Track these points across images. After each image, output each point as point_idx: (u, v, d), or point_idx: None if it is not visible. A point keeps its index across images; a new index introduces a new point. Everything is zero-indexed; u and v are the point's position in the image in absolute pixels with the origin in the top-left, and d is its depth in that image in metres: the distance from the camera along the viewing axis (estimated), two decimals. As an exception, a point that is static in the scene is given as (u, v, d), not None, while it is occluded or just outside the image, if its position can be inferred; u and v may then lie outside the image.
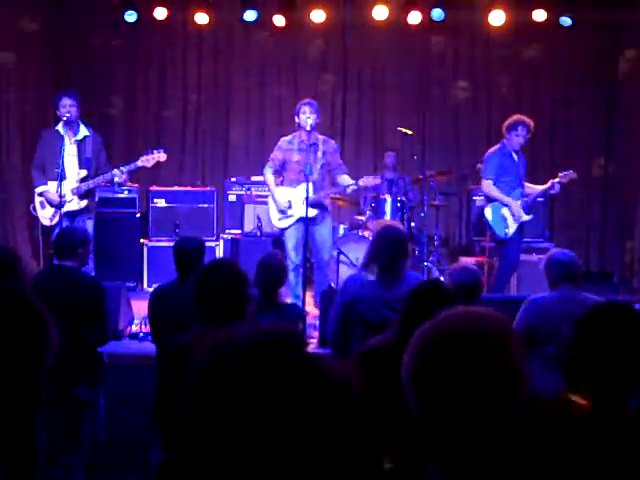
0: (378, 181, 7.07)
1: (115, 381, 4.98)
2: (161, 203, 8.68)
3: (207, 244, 8.13)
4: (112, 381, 4.88)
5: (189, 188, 9.16)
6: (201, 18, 9.33)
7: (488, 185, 6.93)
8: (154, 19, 9.28)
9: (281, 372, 1.07)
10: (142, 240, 8.47)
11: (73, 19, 9.40)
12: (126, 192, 8.51)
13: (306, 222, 6.29)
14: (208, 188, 9.08)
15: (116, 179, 6.68)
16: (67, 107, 6.66)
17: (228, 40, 9.89)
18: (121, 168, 6.68)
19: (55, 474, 4.05)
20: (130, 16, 9.12)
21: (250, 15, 9.20)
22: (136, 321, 6.09)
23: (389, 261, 4.39)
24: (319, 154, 6.60)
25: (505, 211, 6.85)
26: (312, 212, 6.45)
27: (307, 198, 6.21)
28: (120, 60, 9.84)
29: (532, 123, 6.87)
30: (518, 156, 6.98)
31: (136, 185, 8.64)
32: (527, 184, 7.11)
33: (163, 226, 8.54)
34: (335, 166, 6.73)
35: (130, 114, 9.94)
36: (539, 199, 7.49)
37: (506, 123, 6.92)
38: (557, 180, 6.99)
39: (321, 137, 6.74)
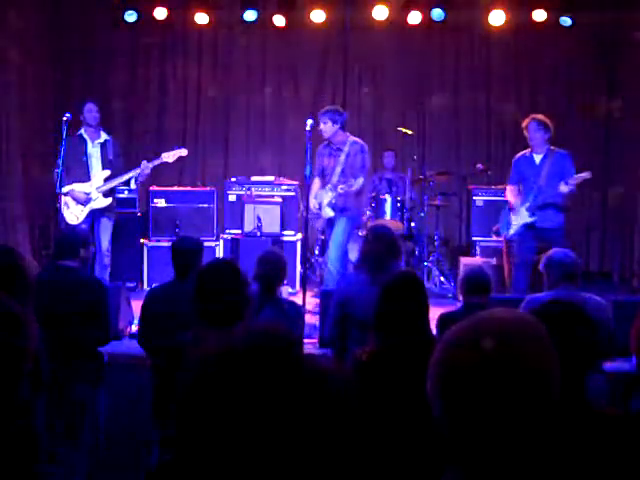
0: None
1: (115, 381, 4.98)
2: (161, 203, 8.68)
3: (207, 244, 8.20)
4: (112, 381, 4.88)
5: (189, 188, 9.16)
6: (201, 18, 9.34)
7: (507, 189, 7.12)
8: (154, 19, 9.29)
9: (276, 374, 1.07)
10: (142, 240, 8.47)
11: (73, 19, 9.41)
12: (126, 192, 8.51)
13: (305, 223, 6.37)
14: (208, 188, 9.07)
15: (134, 174, 7.02)
16: (93, 112, 7.08)
17: (228, 40, 9.89)
18: (147, 164, 7.03)
19: (55, 474, 4.05)
20: (130, 16, 9.13)
21: (250, 15, 9.21)
22: (136, 321, 6.08)
23: (377, 260, 4.43)
24: (342, 158, 6.70)
25: (512, 214, 6.96)
26: (331, 213, 6.71)
27: (308, 190, 6.29)
28: (120, 60, 9.84)
29: (543, 118, 6.78)
30: (545, 158, 6.82)
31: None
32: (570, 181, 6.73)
33: (163, 226, 8.54)
34: (355, 170, 6.72)
35: (130, 114, 9.94)
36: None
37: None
38: (565, 181, 6.67)
39: (351, 139, 6.79)
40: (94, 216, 7.02)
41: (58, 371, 4.06)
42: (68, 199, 6.97)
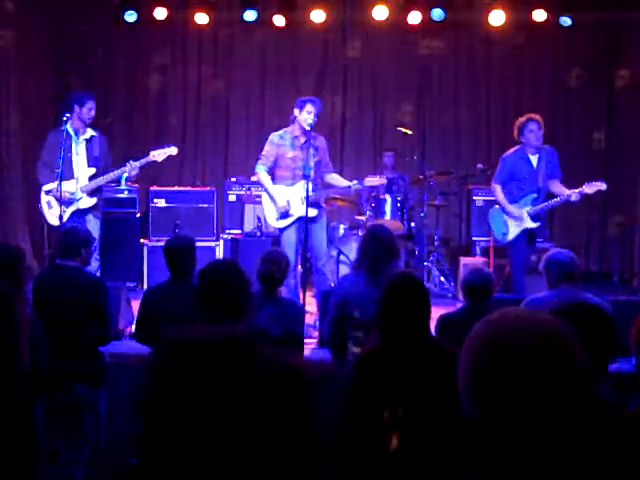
0: (384, 181, 6.98)
1: (115, 381, 4.98)
2: (161, 203, 8.68)
3: (207, 244, 8.22)
4: (112, 381, 4.88)
5: (189, 188, 9.16)
6: (201, 18, 9.34)
7: (494, 188, 6.87)
8: (154, 19, 9.29)
9: (231, 374, 1.09)
10: (142, 240, 8.47)
11: (73, 19, 9.41)
12: (126, 192, 8.51)
13: (306, 222, 6.27)
14: (208, 188, 9.08)
15: (125, 175, 6.68)
16: (92, 111, 6.75)
17: (228, 40, 9.90)
18: (134, 163, 6.67)
19: (55, 474, 4.05)
20: (130, 16, 9.13)
21: (250, 15, 9.21)
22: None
23: (375, 261, 4.44)
24: (311, 150, 6.44)
25: (507, 216, 6.76)
26: (313, 212, 6.37)
27: (307, 198, 6.20)
28: (120, 60, 9.84)
29: (540, 118, 6.76)
30: (540, 158, 6.73)
31: (136, 185, 8.65)
32: (557, 185, 6.76)
33: (163, 226, 8.53)
34: (324, 164, 6.61)
35: (130, 114, 9.94)
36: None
37: (517, 125, 6.78)
38: (578, 190, 6.58)
39: (312, 133, 6.59)
40: (79, 215, 6.65)
41: (58, 371, 4.06)
42: (50, 198, 6.65)
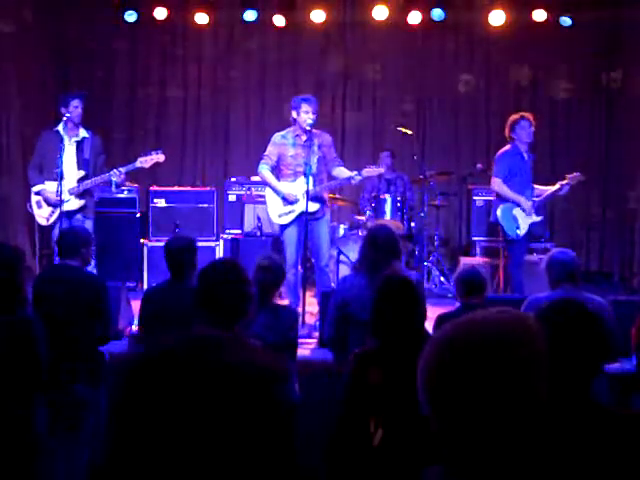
0: (382, 170, 7.00)
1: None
2: (161, 203, 8.68)
3: (207, 244, 8.22)
4: (111, 381, 4.87)
5: (189, 188, 9.16)
6: (201, 18, 9.35)
7: (498, 183, 6.81)
8: (154, 19, 9.30)
9: (203, 380, 1.08)
10: (142, 240, 8.47)
11: (73, 19, 9.42)
12: (126, 192, 8.51)
13: (307, 218, 6.28)
14: (208, 188, 9.07)
15: (114, 179, 6.63)
16: (79, 108, 6.72)
17: (228, 40, 9.90)
18: (120, 169, 6.64)
19: (55, 473, 4.05)
20: (130, 16, 9.14)
21: (250, 15, 9.22)
22: (136, 321, 6.07)
23: (375, 261, 4.43)
24: (314, 148, 6.49)
25: (517, 211, 6.74)
26: (314, 206, 6.37)
27: (307, 193, 6.20)
28: (120, 60, 9.84)
29: (532, 117, 6.83)
30: (528, 156, 6.88)
31: (136, 185, 8.64)
32: (535, 185, 6.97)
33: (163, 226, 8.53)
34: (330, 159, 6.63)
35: (130, 114, 9.94)
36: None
37: (509, 123, 6.84)
38: (566, 182, 6.91)
39: (315, 131, 6.61)
40: (69, 217, 6.61)
41: (58, 371, 4.06)
42: (40, 198, 6.67)
